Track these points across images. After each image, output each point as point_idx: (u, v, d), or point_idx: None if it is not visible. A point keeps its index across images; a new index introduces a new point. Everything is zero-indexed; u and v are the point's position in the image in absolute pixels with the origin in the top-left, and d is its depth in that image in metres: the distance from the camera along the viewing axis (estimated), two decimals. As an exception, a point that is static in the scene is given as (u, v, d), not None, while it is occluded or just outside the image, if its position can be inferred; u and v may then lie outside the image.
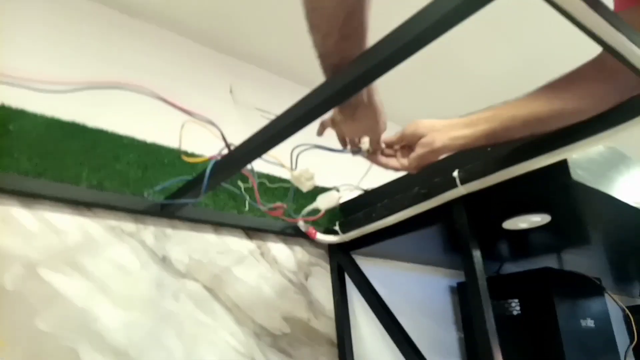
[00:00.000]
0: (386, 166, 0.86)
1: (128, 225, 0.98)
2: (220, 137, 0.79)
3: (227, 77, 1.35)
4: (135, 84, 0.75)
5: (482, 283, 0.92)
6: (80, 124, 0.97)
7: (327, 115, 0.75)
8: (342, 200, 1.22)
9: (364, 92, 0.71)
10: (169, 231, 1.03)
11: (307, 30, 0.63)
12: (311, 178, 0.89)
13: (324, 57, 0.65)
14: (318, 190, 1.25)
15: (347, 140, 0.85)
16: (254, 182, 0.90)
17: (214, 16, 1.28)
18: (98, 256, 0.92)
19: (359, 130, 0.81)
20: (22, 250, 0.83)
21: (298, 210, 1.12)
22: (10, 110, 0.88)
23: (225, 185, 1.02)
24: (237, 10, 1.27)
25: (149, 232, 1.00)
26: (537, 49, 1.53)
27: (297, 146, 0.83)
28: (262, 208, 0.95)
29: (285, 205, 0.97)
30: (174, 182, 0.97)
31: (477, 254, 0.93)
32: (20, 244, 0.83)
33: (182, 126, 0.82)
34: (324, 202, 0.95)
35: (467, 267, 0.94)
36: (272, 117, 0.73)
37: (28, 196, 0.86)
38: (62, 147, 0.93)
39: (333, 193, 0.94)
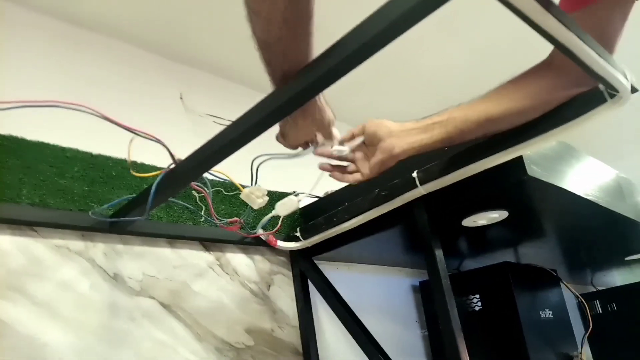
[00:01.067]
0: (347, 180, 0.85)
1: (75, 243, 0.92)
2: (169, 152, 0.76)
3: (176, 84, 1.31)
4: (76, 103, 0.69)
5: (446, 281, 0.92)
6: (18, 138, 0.91)
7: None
8: (301, 205, 1.20)
9: None
10: (120, 247, 0.97)
11: (246, 18, 0.58)
12: (263, 196, 0.86)
13: (265, 46, 0.61)
14: (276, 197, 1.23)
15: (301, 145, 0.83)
16: (207, 197, 0.87)
17: (162, 24, 1.23)
18: (44, 278, 0.86)
19: (308, 129, 0.79)
20: (-43, 277, 0.76)
21: (257, 218, 1.09)
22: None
23: (174, 200, 0.98)
24: (185, 17, 1.23)
25: (98, 249, 0.94)
26: (485, 45, 1.56)
27: (257, 157, 0.81)
28: (218, 223, 0.92)
29: (242, 220, 0.94)
30: (122, 200, 0.92)
31: (439, 253, 0.93)
32: (-46, 271, 0.76)
33: (130, 141, 0.77)
34: (283, 209, 0.93)
35: (430, 266, 0.94)
36: (225, 122, 0.70)
37: (-38, 218, 0.79)
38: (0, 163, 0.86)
39: (291, 198, 0.92)
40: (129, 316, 0.94)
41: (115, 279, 0.94)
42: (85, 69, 1.14)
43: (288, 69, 0.63)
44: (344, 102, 1.43)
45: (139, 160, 1.02)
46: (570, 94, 0.74)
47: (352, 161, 0.84)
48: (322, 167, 0.86)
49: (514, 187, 0.91)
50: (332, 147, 0.82)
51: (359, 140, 0.83)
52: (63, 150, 0.95)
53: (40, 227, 0.88)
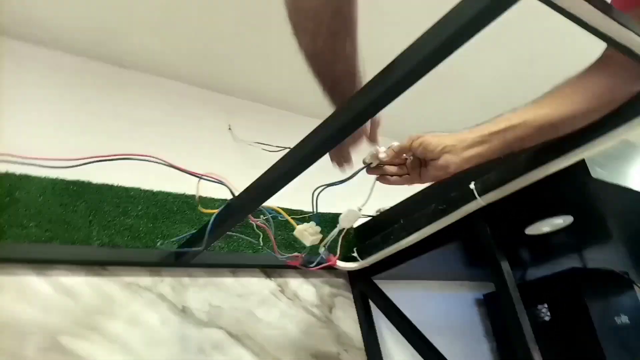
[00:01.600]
0: (395, 183, 0.83)
1: (144, 279, 0.95)
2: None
3: (223, 115, 1.35)
4: (146, 155, 0.74)
5: (515, 293, 0.89)
6: (85, 182, 0.96)
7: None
8: (356, 224, 1.20)
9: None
10: (185, 280, 1.00)
11: (292, 33, 0.60)
12: (315, 233, 0.86)
13: (314, 58, 0.63)
14: (329, 219, 1.23)
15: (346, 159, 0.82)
16: (269, 233, 0.88)
17: (205, 57, 1.28)
18: (117, 316, 0.89)
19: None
20: (41, 319, 0.80)
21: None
22: (14, 176, 0.87)
23: (233, 233, 1.01)
24: (226, 49, 1.27)
25: (166, 283, 0.97)
26: (527, 50, 1.53)
27: (316, 188, 0.81)
28: (280, 258, 0.93)
29: (303, 255, 0.94)
30: (186, 235, 0.96)
31: (505, 265, 0.91)
32: (38, 313, 0.80)
33: (198, 183, 0.81)
34: (346, 221, 0.91)
35: (496, 278, 0.92)
36: (274, 148, 0.72)
37: (41, 263, 0.84)
38: (70, 208, 0.91)
39: (352, 209, 0.91)
40: (199, 348, 0.95)
41: (184, 311, 0.97)
42: (132, 109, 1.18)
43: (337, 76, 0.63)
44: (392, 117, 1.42)
45: (203, 194, 1.06)
46: (633, 91, 0.72)
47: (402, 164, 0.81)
48: (370, 172, 0.82)
49: (578, 191, 0.88)
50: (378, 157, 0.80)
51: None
52: (127, 190, 1.00)
53: (111, 266, 0.92)
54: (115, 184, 0.99)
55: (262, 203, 0.80)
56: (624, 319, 1.34)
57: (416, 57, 0.52)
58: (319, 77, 0.65)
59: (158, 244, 0.94)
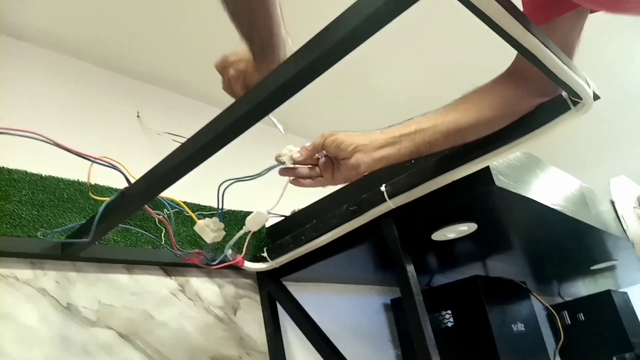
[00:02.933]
0: (308, 186, 0.81)
1: (23, 272, 0.85)
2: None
3: (133, 102, 1.26)
4: (29, 131, 0.66)
5: (418, 297, 0.89)
6: (-42, 160, 0.84)
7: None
8: (267, 224, 1.16)
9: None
10: (72, 275, 0.91)
11: None
12: (218, 229, 0.82)
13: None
14: (240, 217, 1.19)
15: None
16: (167, 225, 0.82)
17: (116, 40, 1.19)
18: (-14, 312, 0.79)
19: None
20: None
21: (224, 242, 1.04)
22: None
23: (128, 227, 0.94)
24: (138, 32, 1.19)
25: (49, 277, 0.88)
26: (444, 62, 1.58)
27: (223, 182, 0.77)
28: (179, 254, 0.87)
29: (204, 252, 0.89)
30: (75, 225, 0.87)
31: (410, 268, 0.91)
32: None
33: (90, 167, 0.73)
34: (252, 223, 0.88)
35: (402, 282, 0.91)
36: (183, 140, 0.66)
37: None
38: None
39: (260, 212, 0.87)
40: (84, 349, 0.87)
41: (69, 309, 0.88)
42: (33, 85, 1.08)
43: (254, 17, 0.61)
44: (303, 117, 1.41)
45: (98, 182, 0.97)
46: (535, 103, 0.75)
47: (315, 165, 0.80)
48: (282, 173, 0.81)
49: (482, 198, 0.90)
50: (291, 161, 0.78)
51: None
52: (9, 172, 0.89)
53: (-16, 256, 0.82)
54: (-3, 165, 0.89)
55: (159, 193, 0.75)
56: (520, 326, 1.40)
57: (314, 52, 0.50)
58: (234, 20, 0.61)
59: (39, 233, 0.85)
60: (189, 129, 0.67)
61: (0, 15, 1.05)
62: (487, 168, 0.83)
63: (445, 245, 1.12)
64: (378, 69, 1.52)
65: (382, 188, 0.90)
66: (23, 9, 1.06)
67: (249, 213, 0.88)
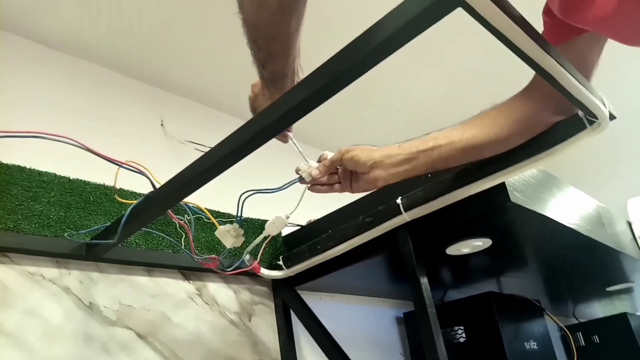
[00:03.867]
0: (326, 192, 0.84)
1: (49, 270, 0.89)
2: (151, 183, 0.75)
3: (158, 110, 1.30)
4: (60, 135, 0.69)
5: (432, 310, 0.90)
6: (-9, 160, 0.88)
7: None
8: (284, 232, 1.18)
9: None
10: (95, 275, 0.94)
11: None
12: (237, 235, 0.84)
13: (254, 27, 0.62)
14: (258, 225, 1.21)
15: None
16: (188, 230, 0.85)
17: (142, 48, 1.23)
18: (13, 307, 0.81)
19: None
20: None
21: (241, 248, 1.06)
22: None
23: (151, 230, 0.97)
24: (164, 42, 1.23)
25: (73, 277, 0.91)
26: (461, 72, 1.59)
27: (244, 192, 0.79)
28: (195, 258, 0.89)
29: (220, 259, 0.92)
30: (100, 227, 0.90)
31: (424, 281, 0.92)
32: None
33: (117, 171, 0.77)
34: (272, 228, 0.89)
35: (415, 295, 0.92)
36: (206, 149, 0.69)
37: None
38: (-29, 187, 0.83)
39: (280, 216, 0.89)
40: (104, 347, 0.89)
41: (91, 307, 0.91)
42: (59, 92, 1.12)
43: (273, 51, 0.64)
44: (319, 127, 1.43)
45: (124, 187, 1.00)
46: (552, 121, 0.76)
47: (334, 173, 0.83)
48: (302, 182, 0.83)
49: (497, 213, 0.91)
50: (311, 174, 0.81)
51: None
52: (40, 174, 0.93)
53: (13, 253, 0.85)
54: (28, 166, 0.92)
55: (182, 198, 0.77)
56: (533, 344, 1.39)
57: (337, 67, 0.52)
58: (254, 45, 0.64)
59: (65, 234, 0.88)
60: (211, 139, 0.70)
61: (28, 22, 1.10)
62: (503, 184, 0.84)
63: (459, 260, 1.12)
64: (394, 80, 1.54)
65: (398, 200, 0.92)
66: (51, 17, 1.10)
67: (265, 221, 0.90)
